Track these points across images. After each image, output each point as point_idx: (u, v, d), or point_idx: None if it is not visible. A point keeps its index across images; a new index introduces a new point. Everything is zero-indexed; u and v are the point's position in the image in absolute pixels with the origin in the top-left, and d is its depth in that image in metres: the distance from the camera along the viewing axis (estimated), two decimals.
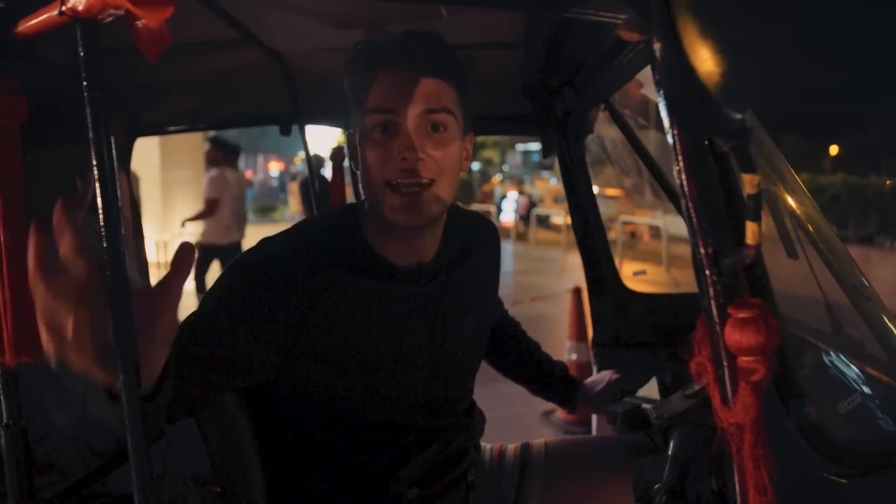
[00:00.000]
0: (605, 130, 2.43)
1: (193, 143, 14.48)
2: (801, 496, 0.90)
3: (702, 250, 0.76)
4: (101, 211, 0.83)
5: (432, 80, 1.17)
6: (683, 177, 0.74)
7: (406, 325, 1.27)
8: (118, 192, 0.85)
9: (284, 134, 2.42)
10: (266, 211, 25.32)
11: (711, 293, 0.76)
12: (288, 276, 1.16)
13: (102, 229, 0.83)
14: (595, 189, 2.23)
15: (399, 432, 1.31)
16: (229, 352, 1.10)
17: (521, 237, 18.80)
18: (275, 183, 35.72)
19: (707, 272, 0.76)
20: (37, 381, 1.49)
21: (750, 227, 0.71)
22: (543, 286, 10.09)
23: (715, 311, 0.76)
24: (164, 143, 13.59)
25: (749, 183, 0.68)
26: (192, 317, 1.13)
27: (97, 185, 0.83)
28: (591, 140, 2.27)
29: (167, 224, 13.28)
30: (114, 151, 0.84)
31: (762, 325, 0.72)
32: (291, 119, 2.38)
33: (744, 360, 0.73)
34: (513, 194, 22.35)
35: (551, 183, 25.47)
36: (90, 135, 0.83)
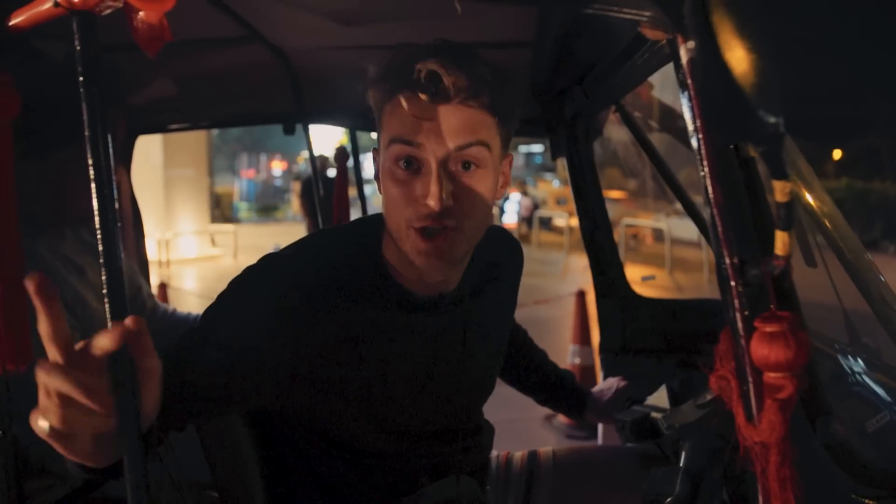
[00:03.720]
0: (608, 132, 2.39)
1: (197, 142, 14.48)
2: None
3: (727, 260, 0.72)
4: (96, 211, 0.80)
5: (466, 110, 1.02)
6: (709, 183, 0.71)
7: (423, 357, 1.18)
8: (115, 193, 0.82)
9: (288, 133, 2.38)
10: (268, 210, 25.29)
11: (737, 305, 0.72)
12: (296, 304, 1.06)
13: (98, 230, 0.80)
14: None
15: (406, 459, 1.24)
16: (226, 379, 1.03)
17: (524, 239, 18.74)
18: (278, 182, 35.67)
19: (732, 283, 0.72)
20: (32, 384, 1.46)
21: (780, 237, 0.67)
22: (546, 289, 10.04)
23: (740, 324, 0.72)
24: (167, 142, 13.59)
25: (780, 190, 0.65)
26: (191, 337, 1.05)
27: (93, 185, 0.80)
28: (595, 142, 2.23)
29: (169, 223, 13.29)
30: (111, 149, 0.81)
31: (791, 339, 0.68)
32: (295, 118, 2.35)
33: (771, 377, 0.69)
34: (515, 196, 22.29)
35: (553, 185, 25.41)
36: (86, 132, 0.79)
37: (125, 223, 2.41)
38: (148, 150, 13.41)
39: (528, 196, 22.33)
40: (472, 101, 1.02)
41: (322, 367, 1.09)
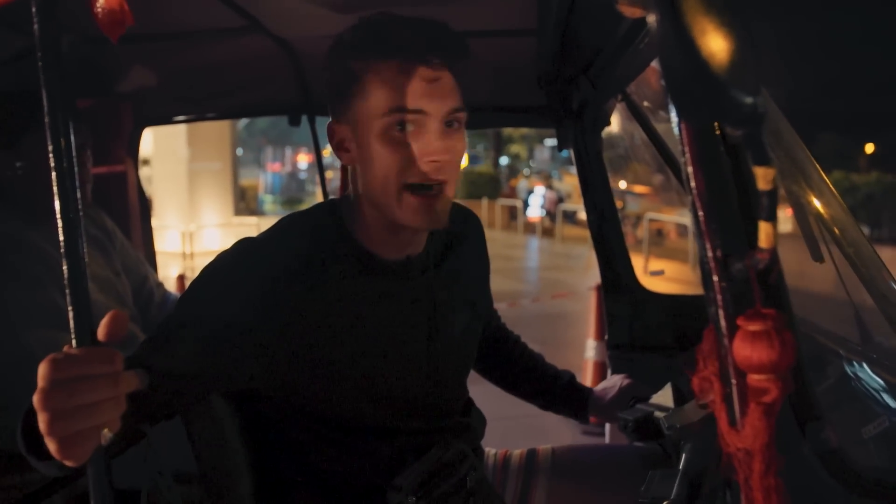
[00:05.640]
0: (632, 127, 2.34)
1: (221, 136, 14.61)
2: None
3: (710, 253, 0.67)
4: (57, 200, 0.78)
5: (450, 75, 1.10)
6: (690, 169, 0.66)
7: (397, 321, 1.20)
8: (76, 180, 0.80)
9: (293, 124, 2.37)
10: (293, 203, 25.47)
11: (719, 302, 0.67)
12: (271, 281, 1.09)
13: (59, 220, 0.78)
14: (623, 185, 2.13)
15: (393, 436, 1.24)
16: (206, 361, 1.05)
17: (548, 233, 18.63)
18: (303, 175, 35.93)
19: (715, 278, 0.67)
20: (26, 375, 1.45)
21: (763, 228, 0.62)
22: (568, 283, 9.98)
23: (723, 323, 0.67)
24: (191, 136, 13.72)
25: (762, 177, 0.59)
26: (168, 323, 1.08)
27: (53, 173, 0.78)
28: (620, 136, 2.18)
29: (193, 215, 13.43)
30: (72, 135, 0.79)
31: (775, 339, 0.63)
32: (301, 109, 2.33)
33: (754, 379, 0.65)
34: (540, 189, 22.16)
35: None
36: (45, 119, 0.77)
37: (132, 214, 2.41)
38: (173, 144, 13.57)
39: (553, 189, 22.22)
40: (455, 66, 1.11)
41: (300, 339, 1.11)
